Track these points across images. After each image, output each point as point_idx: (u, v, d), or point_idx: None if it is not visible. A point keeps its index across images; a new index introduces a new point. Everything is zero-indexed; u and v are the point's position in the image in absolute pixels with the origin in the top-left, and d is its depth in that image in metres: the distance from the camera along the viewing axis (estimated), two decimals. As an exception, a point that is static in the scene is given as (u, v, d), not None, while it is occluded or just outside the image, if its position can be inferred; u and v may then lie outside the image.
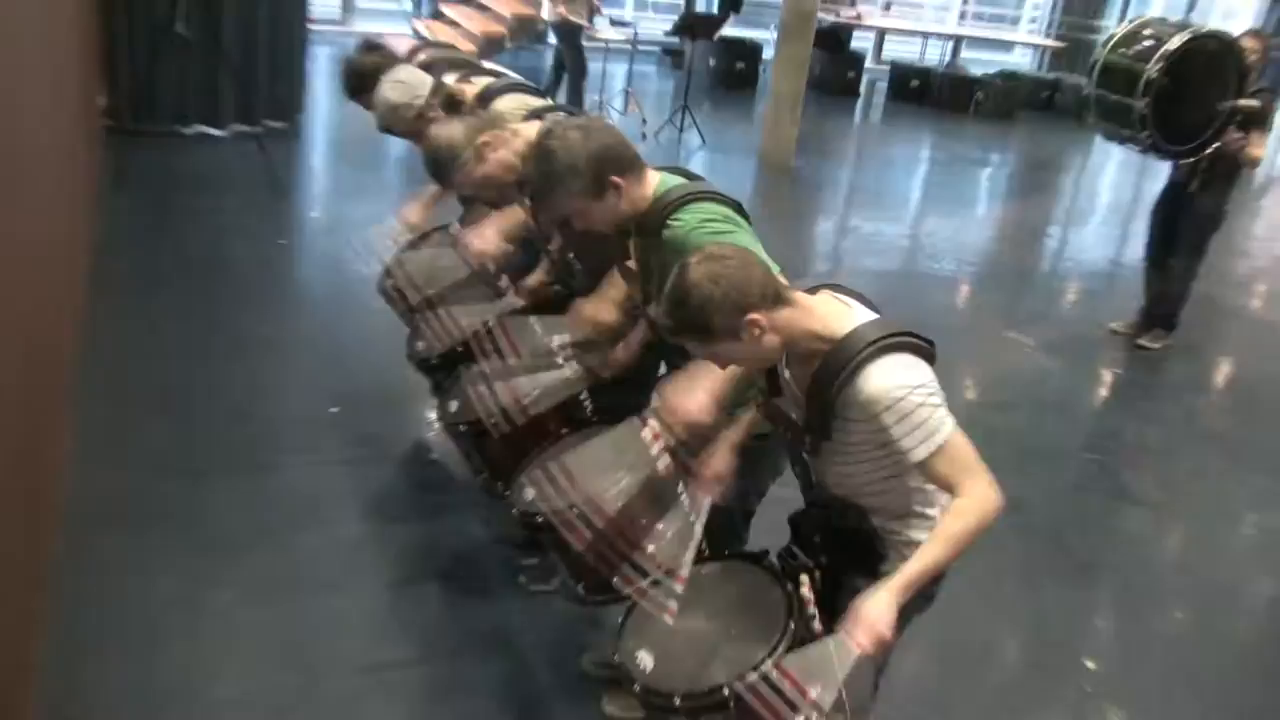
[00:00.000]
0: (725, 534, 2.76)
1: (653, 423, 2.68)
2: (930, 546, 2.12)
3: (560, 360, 3.23)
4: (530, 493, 2.87)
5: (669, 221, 2.66)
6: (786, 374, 2.33)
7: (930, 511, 2.33)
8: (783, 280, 2.27)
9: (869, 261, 8.18)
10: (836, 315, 2.23)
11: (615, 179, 2.67)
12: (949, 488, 2.15)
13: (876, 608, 2.09)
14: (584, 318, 3.23)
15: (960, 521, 2.10)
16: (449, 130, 3.33)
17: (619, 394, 3.14)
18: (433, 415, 4.23)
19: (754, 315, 2.12)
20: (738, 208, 2.78)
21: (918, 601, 2.20)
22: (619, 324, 3.21)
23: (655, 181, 2.77)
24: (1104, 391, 6.44)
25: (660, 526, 2.60)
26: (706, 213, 2.67)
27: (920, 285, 7.72)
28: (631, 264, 2.99)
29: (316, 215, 7.54)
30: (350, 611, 3.50)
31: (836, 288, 2.36)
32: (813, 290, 2.32)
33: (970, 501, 2.11)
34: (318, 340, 5.46)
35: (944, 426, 2.12)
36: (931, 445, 2.11)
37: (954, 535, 2.10)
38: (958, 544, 2.11)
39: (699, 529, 2.53)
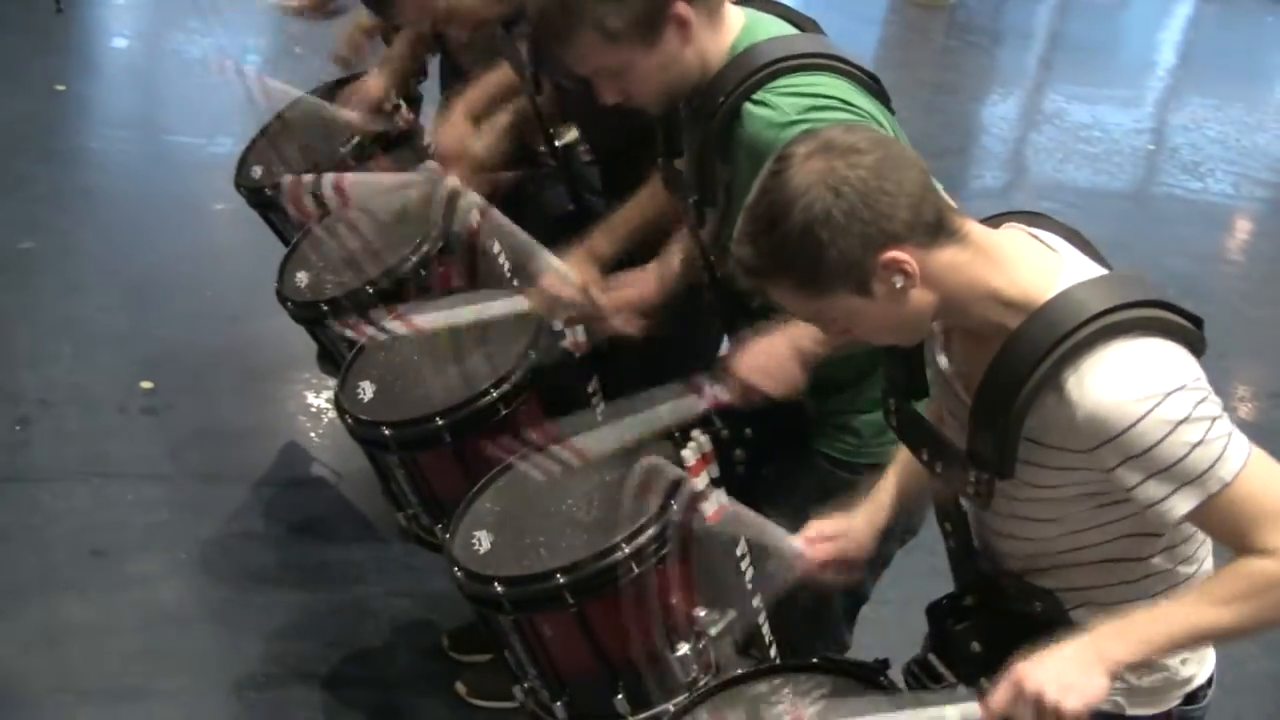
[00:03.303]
0: (813, 631, 2.08)
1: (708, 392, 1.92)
2: (1191, 603, 1.46)
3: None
4: (485, 539, 2.05)
5: (749, 105, 1.81)
6: (943, 361, 1.63)
7: None
8: (948, 200, 1.56)
9: (1079, 172, 5.87)
10: (1035, 265, 1.51)
11: (681, 7, 1.79)
12: (1237, 540, 1.44)
13: (1075, 663, 1.41)
14: (546, 290, 2.24)
15: (1252, 584, 1.41)
16: None
17: (644, 372, 2.15)
18: (322, 400, 3.28)
19: (895, 252, 1.43)
20: (874, 86, 1.91)
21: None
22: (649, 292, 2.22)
23: (736, 26, 1.89)
24: None
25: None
26: (818, 90, 1.81)
27: (1170, 218, 5.53)
28: (680, 162, 2.06)
29: (121, 45, 5.67)
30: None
31: (1034, 217, 1.61)
32: (994, 221, 1.59)
33: (1275, 563, 1.41)
34: (115, 261, 3.84)
35: (1231, 453, 1.42)
36: (1207, 488, 1.42)
37: (1240, 597, 1.41)
38: (1242, 617, 1.42)
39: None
